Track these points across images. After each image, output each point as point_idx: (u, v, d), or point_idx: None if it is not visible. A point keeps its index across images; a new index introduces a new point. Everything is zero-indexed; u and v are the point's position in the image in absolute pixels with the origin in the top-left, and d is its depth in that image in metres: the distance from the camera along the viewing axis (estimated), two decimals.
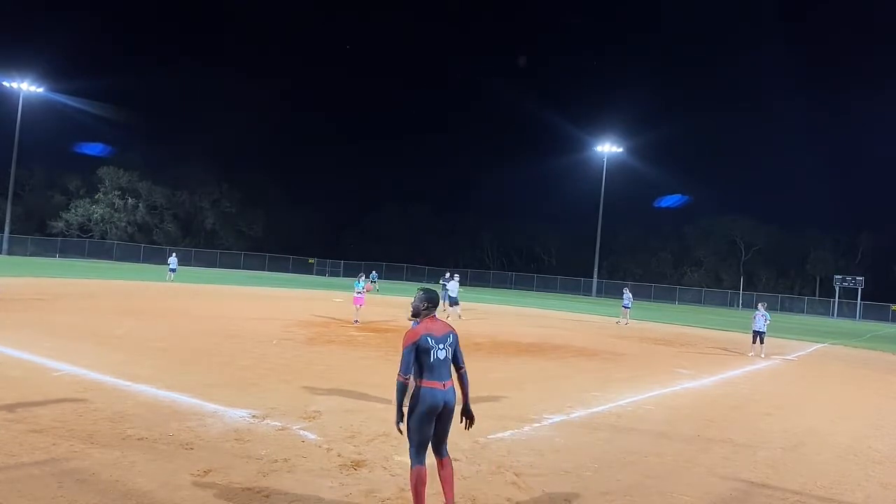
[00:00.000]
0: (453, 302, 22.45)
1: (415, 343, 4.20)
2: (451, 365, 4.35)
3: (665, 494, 5.35)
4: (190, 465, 5.09)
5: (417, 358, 4.21)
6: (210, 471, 4.99)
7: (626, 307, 25.91)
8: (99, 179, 65.89)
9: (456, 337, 4.40)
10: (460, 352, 4.45)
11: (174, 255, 34.85)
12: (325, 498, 4.65)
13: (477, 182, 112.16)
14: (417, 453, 4.21)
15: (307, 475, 5.07)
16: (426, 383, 4.20)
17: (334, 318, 18.76)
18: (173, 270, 32.71)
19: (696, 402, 9.95)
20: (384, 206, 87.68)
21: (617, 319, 25.98)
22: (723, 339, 23.09)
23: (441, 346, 4.25)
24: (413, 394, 4.22)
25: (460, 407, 4.42)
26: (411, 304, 4.51)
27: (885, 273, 68.18)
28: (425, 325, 4.29)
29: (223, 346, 11.58)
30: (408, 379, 4.18)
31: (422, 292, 4.49)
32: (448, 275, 27.16)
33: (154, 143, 79.22)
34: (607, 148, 63.87)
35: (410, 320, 4.85)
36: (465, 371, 4.46)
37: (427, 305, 4.43)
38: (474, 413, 4.47)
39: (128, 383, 7.83)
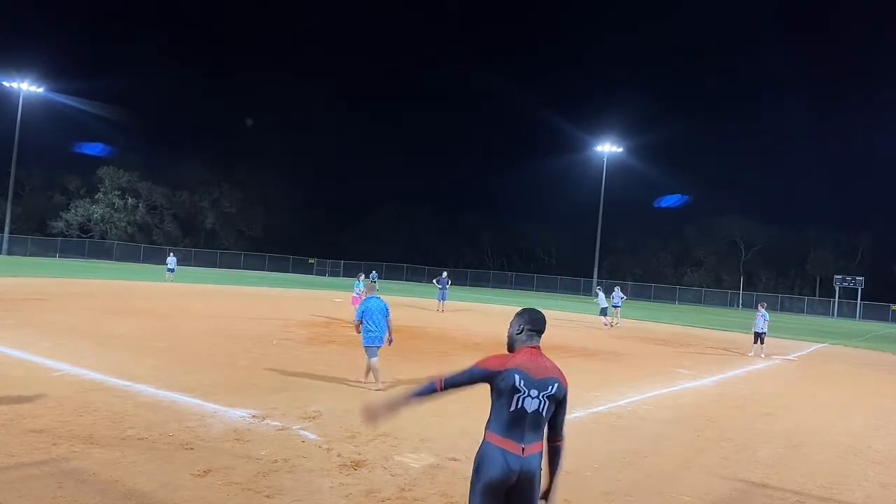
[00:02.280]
0: (604, 312, 23.15)
1: (491, 371, 2.97)
2: (545, 426, 3.04)
3: (665, 494, 5.35)
4: (190, 465, 5.09)
5: (494, 398, 2.98)
6: (210, 471, 4.98)
7: (616, 306, 25.90)
8: (99, 179, 65.91)
9: (564, 389, 3.05)
10: (564, 413, 3.11)
11: (172, 254, 35.12)
12: (325, 498, 4.65)
13: (477, 182, 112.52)
14: None
15: (307, 475, 5.07)
16: (496, 439, 2.93)
17: (334, 318, 18.76)
18: (171, 270, 32.86)
19: (696, 402, 9.95)
20: (384, 206, 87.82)
21: (612, 320, 25.97)
22: (723, 339, 23.09)
23: (535, 392, 2.94)
24: (478, 451, 3.01)
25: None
26: (508, 332, 3.19)
27: (885, 273, 68.17)
28: (521, 358, 3.02)
29: (223, 346, 11.58)
30: (441, 390, 3.05)
31: (524, 313, 3.16)
32: (445, 275, 27.15)
33: (154, 143, 79.41)
34: (607, 148, 63.88)
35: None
36: (563, 444, 3.15)
37: (524, 329, 3.11)
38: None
39: (128, 383, 7.83)
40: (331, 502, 4.59)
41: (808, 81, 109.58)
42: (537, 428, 2.99)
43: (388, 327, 8.81)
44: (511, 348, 3.15)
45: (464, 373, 3.03)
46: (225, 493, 4.59)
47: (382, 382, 8.70)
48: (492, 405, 3.00)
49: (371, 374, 8.72)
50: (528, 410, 2.94)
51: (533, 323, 3.12)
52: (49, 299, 17.94)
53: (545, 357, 3.09)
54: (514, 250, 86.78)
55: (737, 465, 6.42)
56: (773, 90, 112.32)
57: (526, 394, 2.93)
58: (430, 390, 3.07)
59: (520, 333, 3.12)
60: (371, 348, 8.63)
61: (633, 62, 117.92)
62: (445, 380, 3.04)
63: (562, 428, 3.10)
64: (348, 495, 4.71)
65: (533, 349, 3.07)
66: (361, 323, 8.69)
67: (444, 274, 27.22)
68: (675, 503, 5.19)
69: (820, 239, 73.97)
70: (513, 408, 2.93)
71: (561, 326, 23.01)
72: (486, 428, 3.00)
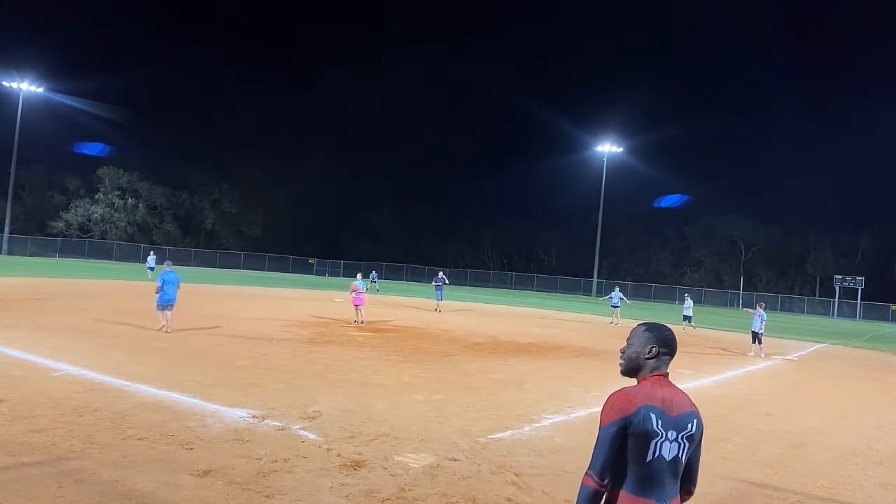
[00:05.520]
0: (688, 319, 23.62)
1: (625, 419, 2.27)
2: (681, 473, 2.39)
3: None
4: (190, 465, 5.09)
5: (623, 448, 2.27)
6: (210, 471, 4.98)
7: (615, 306, 26.01)
8: (99, 179, 65.95)
9: (702, 425, 2.46)
10: (700, 453, 2.48)
11: (152, 253, 37.21)
12: (325, 498, 4.64)
13: (477, 182, 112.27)
14: None
15: (307, 475, 5.07)
16: (631, 501, 2.27)
17: (334, 319, 18.76)
18: (151, 269, 33.36)
19: (696, 402, 9.89)
20: (384, 206, 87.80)
21: (610, 319, 26.01)
22: (723, 339, 23.10)
23: (674, 434, 2.33)
24: None
25: None
26: (622, 350, 2.52)
27: (885, 273, 68.19)
28: (651, 391, 2.38)
29: (223, 346, 11.58)
30: (603, 485, 2.27)
31: (656, 329, 2.51)
32: (441, 274, 27.15)
33: (154, 143, 79.36)
34: (607, 148, 63.93)
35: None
36: (692, 493, 2.48)
37: (657, 353, 2.45)
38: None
39: (128, 383, 7.83)
40: (331, 502, 4.58)
41: (808, 81, 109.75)
42: (676, 478, 2.36)
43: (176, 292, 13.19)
44: (632, 372, 2.48)
45: (597, 448, 2.28)
46: (225, 493, 4.59)
47: (172, 328, 12.85)
48: (619, 458, 2.29)
49: (165, 324, 12.85)
50: (666, 458, 2.30)
51: (668, 344, 2.47)
52: (49, 299, 17.94)
53: (676, 386, 2.47)
54: (514, 250, 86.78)
55: (737, 465, 6.41)
56: (774, 90, 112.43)
57: (663, 437, 2.30)
58: (593, 497, 2.27)
59: (651, 356, 2.44)
60: (164, 305, 12.89)
61: (634, 62, 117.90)
62: (591, 471, 2.27)
63: (695, 474, 2.46)
64: (348, 495, 4.71)
65: (661, 377, 2.44)
66: (161, 288, 12.85)
67: (440, 273, 27.21)
68: None
69: (820, 239, 73.98)
70: (650, 457, 2.28)
71: (561, 326, 23.03)
72: (617, 488, 2.29)
